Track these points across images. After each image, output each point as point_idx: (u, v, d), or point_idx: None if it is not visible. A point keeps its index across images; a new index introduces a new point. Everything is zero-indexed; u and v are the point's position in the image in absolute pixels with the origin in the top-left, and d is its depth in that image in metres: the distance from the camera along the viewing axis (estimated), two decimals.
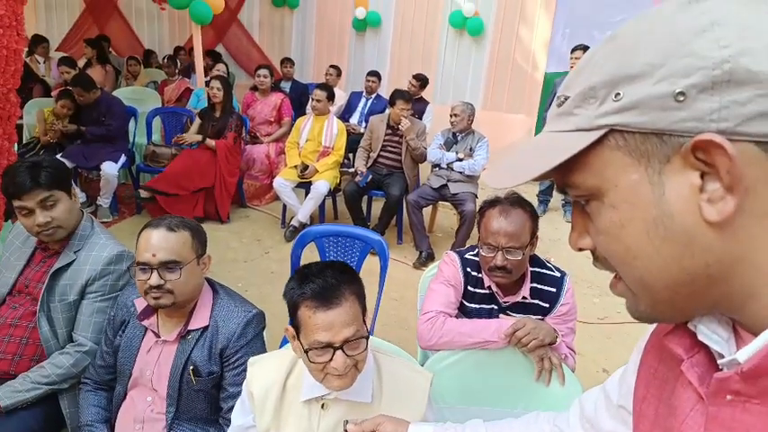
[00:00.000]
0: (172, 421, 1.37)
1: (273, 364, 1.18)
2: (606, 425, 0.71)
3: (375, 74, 5.63)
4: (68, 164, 3.80)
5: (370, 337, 1.18)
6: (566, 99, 0.49)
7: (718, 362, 0.47)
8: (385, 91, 5.74)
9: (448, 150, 4.04)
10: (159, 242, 1.32)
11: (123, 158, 4.29)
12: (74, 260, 1.57)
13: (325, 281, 1.03)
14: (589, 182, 0.47)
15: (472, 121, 4.03)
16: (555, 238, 4.65)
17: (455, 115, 3.98)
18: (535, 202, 5.23)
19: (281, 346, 1.78)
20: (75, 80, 4.20)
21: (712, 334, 0.48)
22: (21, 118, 2.84)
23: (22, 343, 1.55)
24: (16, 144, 2.58)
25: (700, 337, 0.49)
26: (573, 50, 4.54)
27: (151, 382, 1.38)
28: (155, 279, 1.30)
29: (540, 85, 6.30)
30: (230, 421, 1.24)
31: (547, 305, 1.62)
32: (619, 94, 0.43)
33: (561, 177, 0.50)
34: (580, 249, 0.53)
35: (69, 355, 1.53)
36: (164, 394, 1.36)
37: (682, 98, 0.40)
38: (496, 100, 6.60)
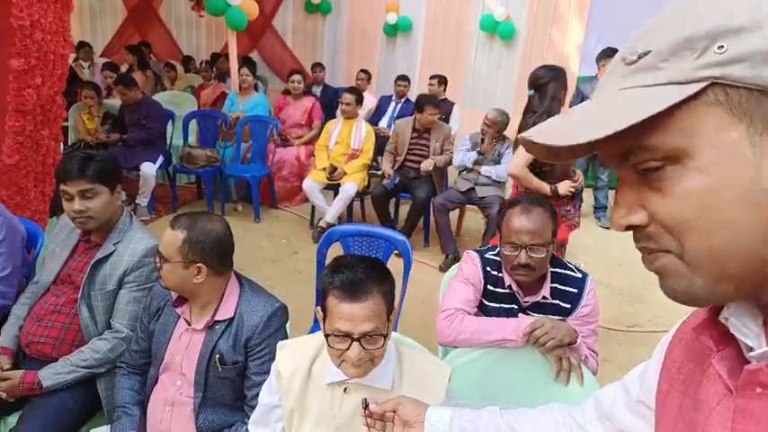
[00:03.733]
0: (199, 405, 1.43)
1: (301, 348, 1.24)
2: (624, 419, 0.72)
3: (405, 78, 5.67)
4: None
5: (395, 332, 1.22)
6: (644, 54, 0.44)
7: (748, 355, 0.47)
8: (414, 95, 5.77)
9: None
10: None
11: (161, 159, 4.48)
12: (113, 252, 1.66)
13: (354, 274, 1.08)
14: (674, 142, 0.42)
15: (504, 130, 3.97)
16: (586, 243, 4.58)
17: (487, 124, 3.91)
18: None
19: None
20: (117, 79, 4.45)
21: (743, 327, 0.47)
22: (66, 120, 3.00)
23: (64, 328, 1.66)
24: (62, 144, 2.73)
25: (732, 330, 0.48)
26: (602, 57, 4.43)
27: (180, 368, 1.45)
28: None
29: (572, 89, 6.21)
30: (254, 408, 1.30)
31: (568, 306, 1.63)
32: (722, 46, 0.40)
33: (634, 139, 0.44)
34: (627, 228, 0.48)
35: (107, 341, 1.62)
36: (192, 380, 1.43)
37: None
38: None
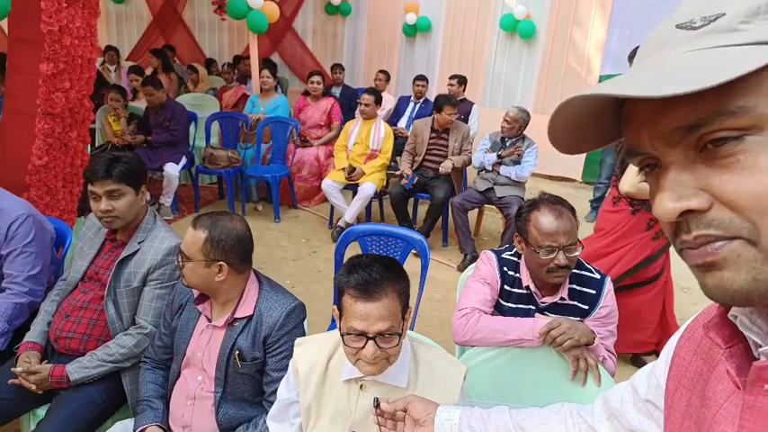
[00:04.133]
0: (219, 400, 1.47)
1: (318, 345, 1.26)
2: (632, 418, 0.72)
3: (423, 78, 5.67)
4: None
5: (411, 331, 1.23)
6: (716, 17, 0.41)
7: (757, 352, 0.48)
8: (433, 96, 5.77)
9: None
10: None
11: (184, 160, 4.57)
12: (138, 250, 1.71)
13: (370, 274, 1.09)
14: (763, 106, 0.39)
15: (524, 128, 3.96)
16: None
17: (507, 122, 3.90)
18: (587, 209, 5.11)
19: None
20: (144, 81, 4.57)
21: (752, 325, 0.48)
22: (93, 122, 3.09)
23: (91, 324, 1.71)
24: (89, 146, 2.82)
25: (740, 328, 0.49)
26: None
27: (201, 363, 1.49)
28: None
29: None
30: (272, 404, 1.33)
31: (586, 307, 1.61)
32: None
33: (717, 102, 0.40)
34: (683, 213, 0.43)
35: (132, 337, 1.67)
36: (212, 375, 1.47)
37: None
38: (548, 104, 6.48)
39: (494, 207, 4.08)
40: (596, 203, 5.07)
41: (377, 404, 0.98)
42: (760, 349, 0.47)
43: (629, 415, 0.73)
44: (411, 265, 2.48)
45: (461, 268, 3.84)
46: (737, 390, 0.48)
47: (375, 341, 1.07)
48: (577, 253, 1.53)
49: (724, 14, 0.40)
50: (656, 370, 0.69)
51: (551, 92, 6.45)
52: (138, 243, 1.72)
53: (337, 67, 6.35)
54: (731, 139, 0.40)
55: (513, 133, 3.93)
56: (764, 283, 0.41)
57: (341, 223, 4.27)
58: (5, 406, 1.62)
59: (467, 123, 4.71)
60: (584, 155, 6.06)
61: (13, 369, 1.62)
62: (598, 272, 1.65)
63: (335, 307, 1.18)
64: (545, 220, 1.54)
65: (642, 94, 0.38)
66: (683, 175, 0.43)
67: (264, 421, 1.38)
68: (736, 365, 0.49)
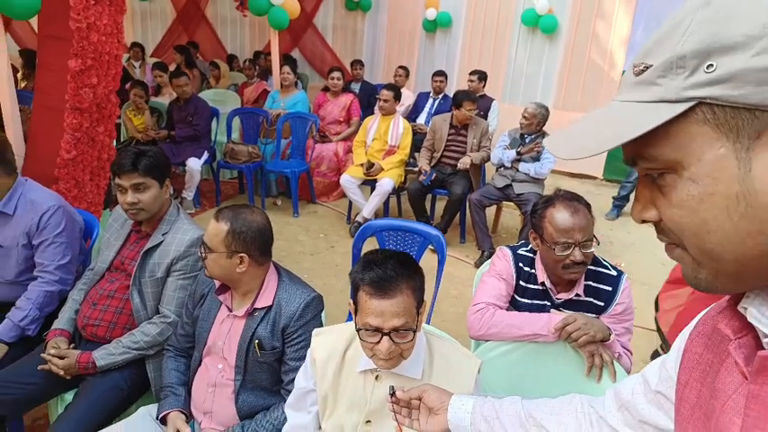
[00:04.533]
0: (239, 388, 1.51)
1: (335, 336, 1.29)
2: (643, 409, 0.73)
3: (442, 74, 5.66)
4: None
5: (427, 325, 1.25)
6: (646, 68, 0.46)
7: (764, 342, 0.48)
8: (453, 92, 5.76)
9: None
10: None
11: (206, 155, 4.65)
12: (162, 242, 1.76)
13: (384, 272, 1.11)
14: (668, 155, 0.46)
15: (543, 124, 3.94)
16: (628, 242, 4.48)
17: (525, 117, 3.89)
18: (608, 206, 5.04)
19: None
20: (176, 73, 4.72)
21: (761, 316, 0.48)
22: (119, 117, 3.17)
23: (117, 312, 1.77)
24: (115, 140, 2.89)
25: (749, 319, 0.50)
26: None
27: (222, 351, 1.53)
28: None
29: (617, 84, 6.04)
30: (290, 392, 1.36)
31: (602, 304, 1.61)
32: (711, 65, 0.41)
33: (636, 149, 0.48)
34: (643, 221, 0.52)
35: (155, 325, 1.73)
36: (232, 363, 1.51)
37: None
38: (569, 100, 6.41)
39: (512, 204, 4.06)
40: (619, 202, 4.99)
41: (392, 392, 1.00)
42: (766, 339, 0.48)
43: (639, 406, 0.74)
44: (428, 261, 2.50)
45: (478, 265, 3.84)
46: (745, 380, 0.49)
47: (390, 337, 1.10)
48: (593, 249, 1.53)
49: (651, 66, 0.46)
50: (668, 362, 0.69)
51: (573, 88, 6.37)
52: (163, 234, 1.77)
53: (357, 63, 6.37)
54: (654, 175, 0.49)
55: (532, 129, 3.90)
56: (706, 283, 0.49)
57: (359, 218, 4.30)
58: (35, 390, 1.69)
59: (486, 119, 4.68)
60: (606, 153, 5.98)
61: (42, 354, 1.69)
62: (615, 268, 1.64)
63: (351, 301, 1.20)
64: (560, 216, 1.54)
65: (564, 157, 0.50)
66: (645, 191, 0.52)
67: (282, 409, 1.41)
68: (744, 356, 0.50)
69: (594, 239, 1.54)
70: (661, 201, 0.49)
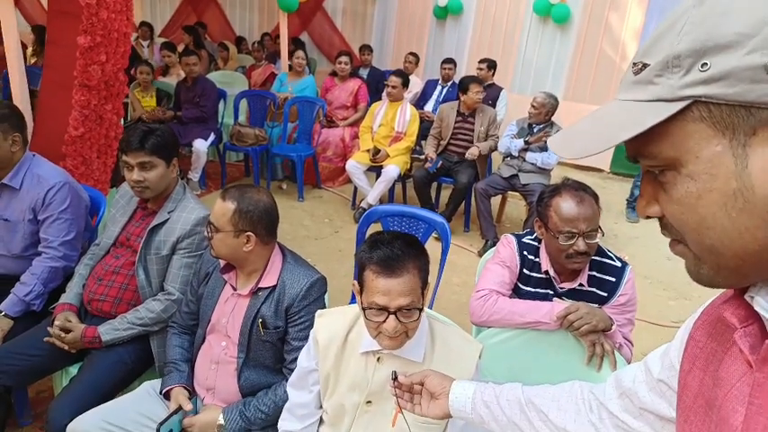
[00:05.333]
0: (242, 365, 1.53)
1: (338, 317, 1.30)
2: (644, 396, 0.73)
3: (451, 61, 5.61)
4: None
5: (429, 309, 1.26)
6: (644, 66, 0.47)
7: None
8: None
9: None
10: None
11: (212, 137, 4.64)
12: (168, 219, 1.77)
13: (392, 251, 1.12)
14: (667, 152, 0.47)
15: (552, 114, 3.91)
16: (633, 235, 4.47)
17: (534, 107, 3.86)
18: (615, 200, 5.01)
19: None
20: (184, 52, 4.76)
21: None
22: (127, 96, 3.16)
23: (122, 288, 1.79)
24: (122, 119, 2.89)
25: (756, 308, 0.50)
26: None
27: (226, 329, 1.55)
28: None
29: None
30: (292, 371, 1.38)
31: (605, 294, 1.61)
32: (706, 64, 0.42)
33: (636, 147, 0.49)
34: (648, 217, 0.53)
35: (160, 302, 1.74)
36: (236, 341, 1.52)
37: None
38: (579, 91, 6.34)
39: (517, 194, 4.05)
40: (635, 202, 4.92)
41: (395, 377, 1.01)
42: None
43: (640, 393, 0.74)
44: (431, 249, 2.48)
45: (482, 254, 3.84)
46: (750, 369, 0.49)
47: (396, 316, 1.10)
48: (597, 240, 1.52)
49: (648, 65, 0.47)
50: (671, 351, 0.69)
51: (583, 78, 6.30)
52: (168, 213, 1.78)
53: (366, 49, 6.32)
54: (656, 172, 0.50)
55: (541, 119, 3.88)
56: (708, 278, 0.50)
57: (363, 204, 4.30)
58: (40, 363, 1.71)
59: (494, 108, 4.65)
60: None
61: (48, 328, 1.71)
62: (619, 259, 1.64)
63: (355, 282, 1.20)
64: (566, 205, 1.53)
65: (566, 156, 0.52)
66: (648, 187, 0.52)
67: (284, 387, 1.43)
68: (750, 344, 0.50)
69: (600, 231, 1.53)
70: (663, 197, 0.50)
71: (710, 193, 0.45)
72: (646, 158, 0.49)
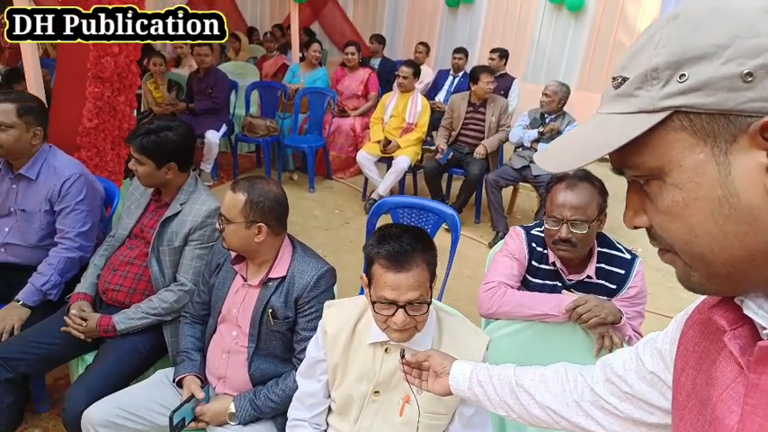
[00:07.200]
0: (252, 355, 1.55)
1: (347, 308, 1.32)
2: (634, 384, 0.74)
3: (462, 51, 5.56)
4: None
5: (438, 301, 1.27)
6: (623, 80, 0.48)
7: (763, 334, 0.49)
8: None
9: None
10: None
11: (224, 128, 4.67)
12: (180, 211, 1.79)
13: (400, 245, 1.13)
14: (651, 162, 0.47)
15: (564, 103, 3.87)
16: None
17: (546, 95, 3.83)
18: (623, 190, 4.96)
19: None
20: (196, 43, 4.68)
21: (759, 309, 0.49)
22: (139, 87, 3.19)
23: (136, 279, 1.82)
24: (135, 110, 2.92)
25: (746, 311, 0.50)
26: None
27: (236, 319, 1.57)
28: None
29: None
30: (302, 361, 1.40)
31: (614, 287, 1.61)
32: (684, 75, 0.43)
33: (619, 158, 0.50)
34: (635, 227, 0.53)
35: (173, 293, 1.77)
36: (246, 331, 1.55)
37: (750, 79, 0.40)
38: (593, 81, 6.26)
39: (529, 185, 4.03)
40: None
41: (402, 355, 1.09)
42: (765, 331, 0.48)
43: (630, 381, 0.75)
44: (441, 240, 2.49)
45: (492, 245, 3.83)
46: (742, 370, 0.50)
47: (405, 309, 1.12)
48: (583, 231, 1.51)
49: (628, 79, 0.48)
50: (659, 343, 0.71)
51: (597, 68, 6.21)
52: (181, 204, 1.80)
53: (376, 39, 6.28)
54: (641, 182, 0.50)
55: (553, 108, 3.85)
56: (699, 285, 0.50)
57: (374, 196, 4.31)
58: (57, 351, 1.75)
59: (506, 99, 4.61)
60: None
61: (64, 317, 1.75)
62: (629, 252, 1.63)
63: (364, 275, 1.21)
64: (559, 192, 1.56)
65: (551, 170, 0.53)
66: (635, 197, 0.53)
67: (294, 377, 1.45)
68: (740, 347, 0.50)
69: (592, 222, 1.51)
70: (650, 207, 0.51)
71: (696, 202, 0.45)
72: (630, 169, 0.50)
